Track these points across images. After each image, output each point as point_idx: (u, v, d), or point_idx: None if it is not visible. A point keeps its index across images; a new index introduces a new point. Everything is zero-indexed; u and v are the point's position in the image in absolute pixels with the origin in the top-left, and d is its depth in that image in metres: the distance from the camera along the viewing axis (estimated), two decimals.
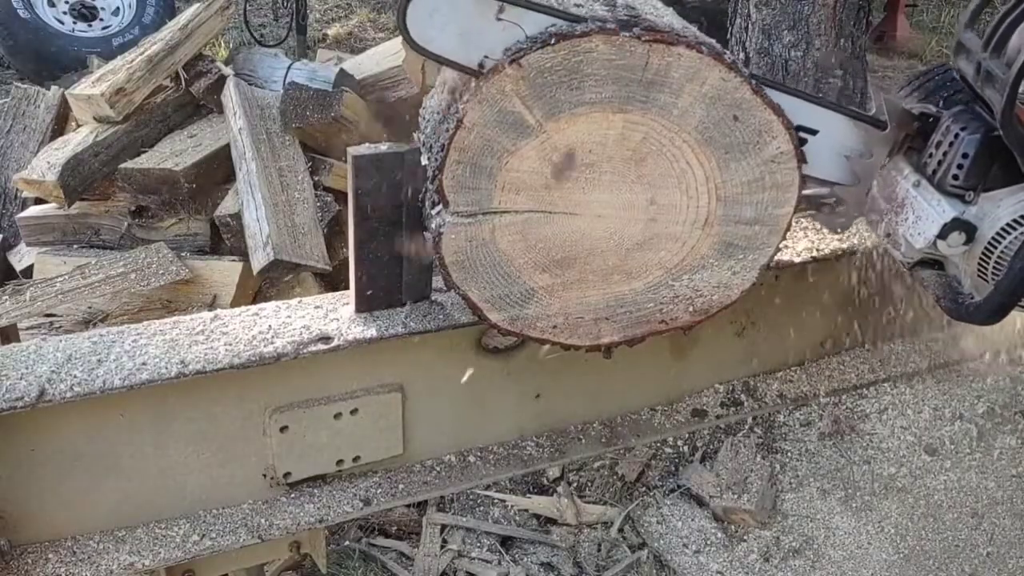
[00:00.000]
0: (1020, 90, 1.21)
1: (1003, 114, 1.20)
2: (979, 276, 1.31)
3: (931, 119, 1.35)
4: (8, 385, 1.22)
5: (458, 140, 1.16)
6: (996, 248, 1.27)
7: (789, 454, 3.24)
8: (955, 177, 1.28)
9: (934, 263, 1.37)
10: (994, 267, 1.28)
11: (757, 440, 3.23)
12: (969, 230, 1.29)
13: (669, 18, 1.22)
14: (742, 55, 4.54)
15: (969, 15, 1.34)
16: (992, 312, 1.29)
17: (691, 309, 1.36)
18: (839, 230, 1.51)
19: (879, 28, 7.20)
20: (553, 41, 1.12)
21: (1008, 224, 1.25)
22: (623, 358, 1.43)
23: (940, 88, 1.39)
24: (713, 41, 1.22)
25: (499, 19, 1.15)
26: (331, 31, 7.31)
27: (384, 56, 4.48)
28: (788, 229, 1.33)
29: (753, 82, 1.20)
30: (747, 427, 3.26)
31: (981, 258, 1.29)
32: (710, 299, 1.36)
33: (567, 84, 1.15)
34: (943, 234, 1.29)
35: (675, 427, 1.72)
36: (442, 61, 1.19)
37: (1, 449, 1.26)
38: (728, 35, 4.68)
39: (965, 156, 1.27)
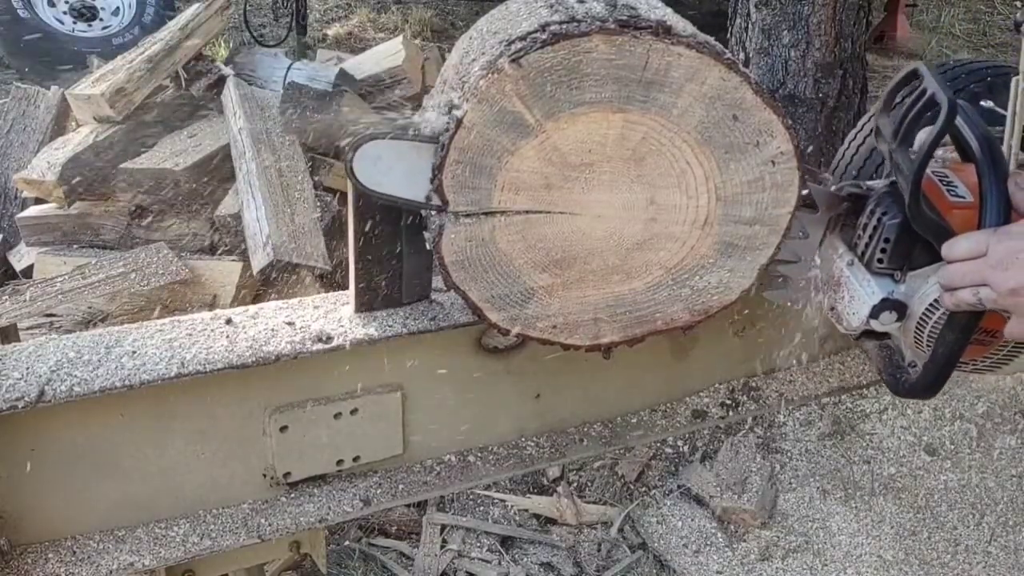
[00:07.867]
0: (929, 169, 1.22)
1: (910, 207, 1.22)
2: (917, 347, 1.33)
3: (860, 198, 1.37)
4: (8, 385, 1.22)
5: (458, 140, 1.15)
6: (927, 324, 1.29)
7: (789, 454, 3.24)
8: (880, 261, 1.31)
9: (880, 334, 1.38)
10: (927, 341, 1.30)
11: (757, 440, 3.23)
12: (900, 308, 1.31)
13: (670, 18, 1.22)
14: (742, 55, 4.54)
15: (882, 102, 1.35)
16: (926, 388, 1.32)
17: (691, 309, 1.36)
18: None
19: (879, 28, 7.20)
20: (553, 41, 1.12)
21: (935, 300, 1.27)
22: (623, 358, 1.42)
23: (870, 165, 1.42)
24: (713, 40, 1.22)
25: None
26: (331, 31, 7.31)
27: (384, 56, 4.50)
28: (788, 229, 1.33)
29: (753, 82, 1.20)
30: (747, 427, 3.26)
31: (916, 333, 1.32)
32: (710, 299, 1.36)
33: (567, 84, 1.14)
34: (874, 314, 1.31)
35: (675, 427, 1.72)
36: (392, 201, 1.25)
37: (1, 449, 1.26)
38: (728, 35, 4.67)
39: (887, 240, 1.29)
